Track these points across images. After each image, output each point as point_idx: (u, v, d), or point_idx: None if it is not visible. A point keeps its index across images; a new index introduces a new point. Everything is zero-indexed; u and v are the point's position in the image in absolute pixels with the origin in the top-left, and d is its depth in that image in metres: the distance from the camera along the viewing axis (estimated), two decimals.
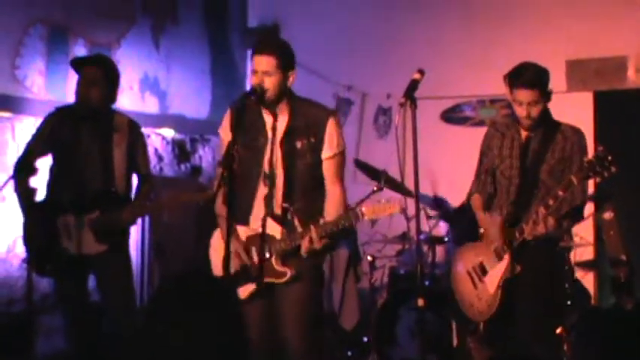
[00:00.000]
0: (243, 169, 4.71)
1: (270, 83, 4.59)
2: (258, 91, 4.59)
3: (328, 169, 4.73)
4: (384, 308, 6.86)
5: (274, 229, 4.66)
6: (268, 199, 4.69)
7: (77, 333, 5.75)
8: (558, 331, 5.66)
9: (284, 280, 4.65)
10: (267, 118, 4.72)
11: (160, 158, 8.07)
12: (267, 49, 4.62)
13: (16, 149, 6.51)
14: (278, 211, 4.68)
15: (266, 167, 4.71)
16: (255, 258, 4.66)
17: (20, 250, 6.52)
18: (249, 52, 9.09)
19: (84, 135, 5.66)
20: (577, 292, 6.33)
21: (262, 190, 4.72)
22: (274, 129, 4.68)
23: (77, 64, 5.75)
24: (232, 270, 4.63)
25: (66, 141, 5.64)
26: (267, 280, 4.64)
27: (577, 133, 5.15)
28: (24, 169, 5.69)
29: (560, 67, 7.73)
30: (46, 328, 6.76)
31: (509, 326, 5.19)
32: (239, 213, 4.70)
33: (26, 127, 6.65)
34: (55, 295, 6.10)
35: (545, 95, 5.08)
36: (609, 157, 4.64)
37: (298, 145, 4.69)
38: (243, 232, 4.75)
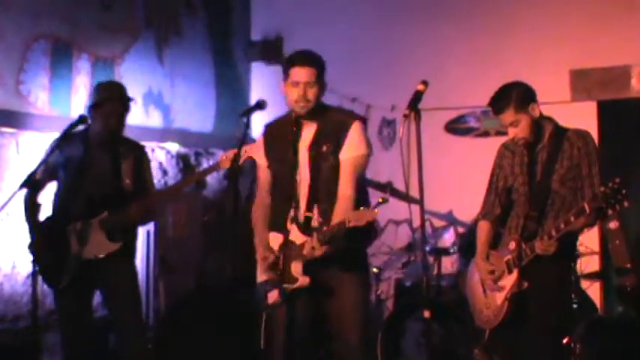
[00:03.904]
0: (279, 181, 4.98)
1: (312, 94, 4.84)
2: (302, 105, 4.83)
3: (344, 169, 4.82)
4: (391, 320, 6.84)
5: (297, 237, 4.78)
6: (298, 208, 4.86)
7: (74, 352, 5.76)
8: (565, 341, 5.65)
9: (294, 286, 4.74)
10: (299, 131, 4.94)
11: (164, 172, 8.07)
12: (308, 62, 4.87)
13: (20, 164, 6.51)
14: (302, 218, 4.83)
15: (299, 178, 4.89)
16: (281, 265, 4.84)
17: (25, 267, 6.52)
18: (253, 65, 9.18)
19: (94, 150, 5.76)
20: (583, 302, 6.32)
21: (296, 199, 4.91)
22: (305, 139, 4.90)
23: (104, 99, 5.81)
24: (265, 277, 4.87)
25: (76, 158, 5.72)
26: (286, 286, 4.77)
27: (583, 137, 5.11)
28: (32, 185, 5.71)
29: (564, 76, 7.75)
30: (51, 344, 6.74)
31: (516, 336, 5.18)
32: (276, 222, 4.92)
33: (30, 142, 6.66)
34: (56, 312, 6.10)
35: (521, 111, 5.04)
36: (623, 191, 4.62)
37: (324, 148, 4.85)
38: (276, 239, 4.89)
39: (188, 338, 6.69)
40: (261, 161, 5.07)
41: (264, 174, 5.09)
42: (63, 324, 5.89)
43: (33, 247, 5.68)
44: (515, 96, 5.05)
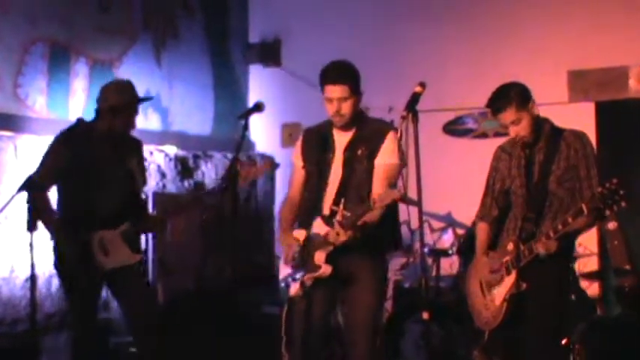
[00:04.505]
0: (311, 181, 5.13)
1: (346, 109, 4.97)
2: (337, 119, 4.99)
3: (377, 174, 4.94)
4: (390, 322, 6.84)
5: (321, 228, 4.88)
6: (325, 204, 4.98)
7: (82, 352, 5.78)
8: (564, 341, 5.65)
9: (317, 274, 4.83)
10: (337, 136, 5.07)
11: (162, 175, 8.06)
12: (341, 79, 4.99)
13: (18, 168, 6.51)
14: (328, 212, 4.91)
15: (331, 178, 5.04)
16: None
17: (23, 270, 6.50)
18: (251, 67, 9.18)
19: (101, 152, 5.77)
20: (582, 302, 6.32)
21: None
22: (342, 143, 5.04)
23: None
24: (287, 271, 5.01)
25: (83, 161, 5.72)
26: (308, 275, 4.86)
27: (579, 138, 5.11)
28: (38, 187, 5.72)
29: (562, 77, 7.74)
30: (49, 347, 6.75)
31: (515, 337, 5.18)
32: (304, 219, 5.08)
33: (28, 145, 6.66)
34: (68, 314, 6.12)
35: (523, 109, 5.04)
36: (621, 192, 4.62)
37: (359, 152, 4.98)
38: (300, 234, 5.02)
39: (187, 340, 6.69)
40: (297, 162, 5.21)
41: (298, 174, 5.22)
42: (74, 324, 5.92)
43: (59, 249, 5.71)
44: (515, 94, 5.05)
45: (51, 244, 5.64)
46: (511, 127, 5.08)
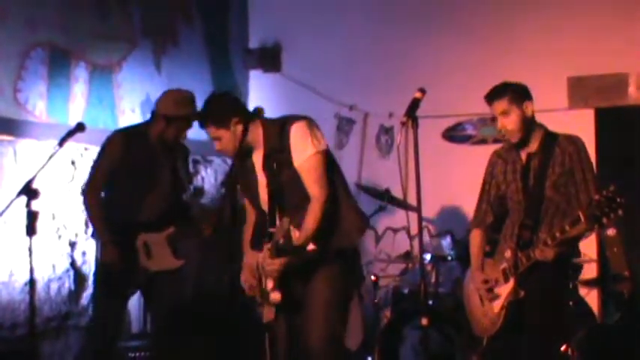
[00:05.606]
0: (251, 203, 5.12)
1: (225, 144, 4.90)
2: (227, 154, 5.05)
3: (303, 174, 4.85)
4: (388, 328, 6.84)
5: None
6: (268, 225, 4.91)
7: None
8: (563, 348, 5.65)
9: (269, 302, 4.85)
10: (254, 156, 4.97)
11: None
12: (204, 123, 4.93)
13: (18, 172, 6.50)
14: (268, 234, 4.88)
15: (261, 198, 4.97)
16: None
17: (22, 274, 6.50)
18: (250, 73, 9.18)
19: (157, 157, 5.95)
20: (581, 309, 6.32)
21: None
22: (258, 163, 4.96)
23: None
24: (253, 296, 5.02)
25: (140, 163, 5.87)
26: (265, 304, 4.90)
27: (574, 142, 5.12)
28: (94, 189, 5.91)
29: (562, 84, 7.75)
30: (48, 352, 6.74)
31: (513, 343, 5.18)
32: (256, 241, 5.04)
33: (28, 150, 6.66)
34: (95, 318, 6.17)
35: (515, 104, 5.05)
36: (618, 200, 4.61)
37: (274, 164, 4.86)
38: (254, 257, 5.01)
39: (185, 348, 6.68)
40: (239, 185, 5.17)
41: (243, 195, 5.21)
42: (101, 331, 5.99)
43: (104, 250, 5.81)
44: (512, 89, 5.10)
45: (92, 245, 5.78)
46: (499, 118, 5.09)
